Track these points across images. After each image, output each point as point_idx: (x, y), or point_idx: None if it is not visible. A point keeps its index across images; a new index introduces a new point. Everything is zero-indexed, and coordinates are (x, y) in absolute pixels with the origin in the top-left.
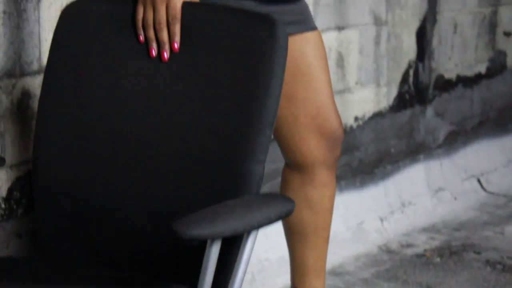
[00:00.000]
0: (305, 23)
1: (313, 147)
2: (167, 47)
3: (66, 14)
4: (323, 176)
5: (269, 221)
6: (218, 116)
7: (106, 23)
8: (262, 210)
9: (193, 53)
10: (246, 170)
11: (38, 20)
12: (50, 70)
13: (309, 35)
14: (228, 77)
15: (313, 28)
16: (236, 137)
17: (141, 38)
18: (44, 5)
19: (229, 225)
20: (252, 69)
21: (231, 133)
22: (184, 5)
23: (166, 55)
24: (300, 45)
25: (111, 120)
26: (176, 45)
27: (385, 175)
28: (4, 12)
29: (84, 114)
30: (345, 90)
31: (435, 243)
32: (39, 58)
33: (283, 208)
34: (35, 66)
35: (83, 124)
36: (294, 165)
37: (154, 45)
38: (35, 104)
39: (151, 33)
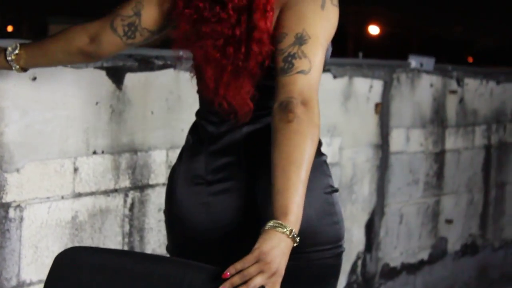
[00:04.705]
0: None
1: None
2: None
3: (58, 261)
4: None
5: None
6: None
7: (96, 273)
8: None
9: None
10: None
11: (20, 238)
12: None
13: None
14: None
15: None
16: None
17: (228, 274)
18: (25, 224)
19: None
20: None
21: None
22: None
23: None
24: None
25: None
26: None
27: None
28: None
29: None
30: None
31: None
32: (18, 274)
33: None
34: (13, 282)
35: None
36: None
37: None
38: None
39: (238, 280)
